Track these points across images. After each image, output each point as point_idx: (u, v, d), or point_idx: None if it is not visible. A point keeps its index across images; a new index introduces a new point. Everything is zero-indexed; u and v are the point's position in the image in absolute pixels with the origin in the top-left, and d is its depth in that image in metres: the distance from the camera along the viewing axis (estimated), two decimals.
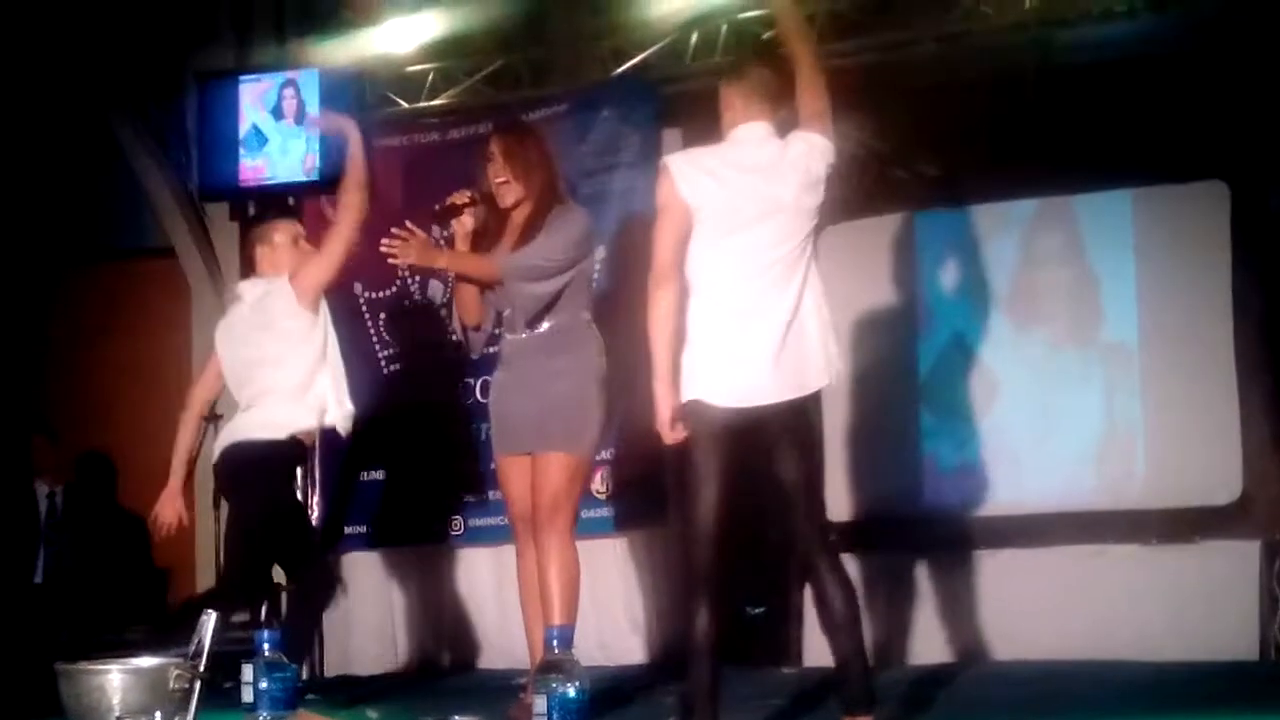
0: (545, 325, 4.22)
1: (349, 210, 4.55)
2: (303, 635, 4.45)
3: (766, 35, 5.83)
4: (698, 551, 3.49)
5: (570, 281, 4.21)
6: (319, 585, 4.48)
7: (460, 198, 4.34)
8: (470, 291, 4.34)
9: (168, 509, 4.45)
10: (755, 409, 3.52)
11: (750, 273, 3.54)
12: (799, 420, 3.57)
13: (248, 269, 4.70)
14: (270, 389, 4.51)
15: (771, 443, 3.54)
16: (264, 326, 4.54)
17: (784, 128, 3.70)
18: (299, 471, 4.76)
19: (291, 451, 4.51)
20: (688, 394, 3.53)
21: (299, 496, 4.54)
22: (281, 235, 4.57)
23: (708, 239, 3.57)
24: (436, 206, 4.42)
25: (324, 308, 4.62)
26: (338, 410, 4.54)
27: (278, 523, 4.31)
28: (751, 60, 3.86)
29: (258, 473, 4.35)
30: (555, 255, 4.18)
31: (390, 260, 4.32)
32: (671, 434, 3.48)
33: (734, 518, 3.56)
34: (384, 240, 4.23)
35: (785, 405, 3.53)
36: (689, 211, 3.57)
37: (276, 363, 4.51)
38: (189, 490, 4.68)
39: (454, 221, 4.35)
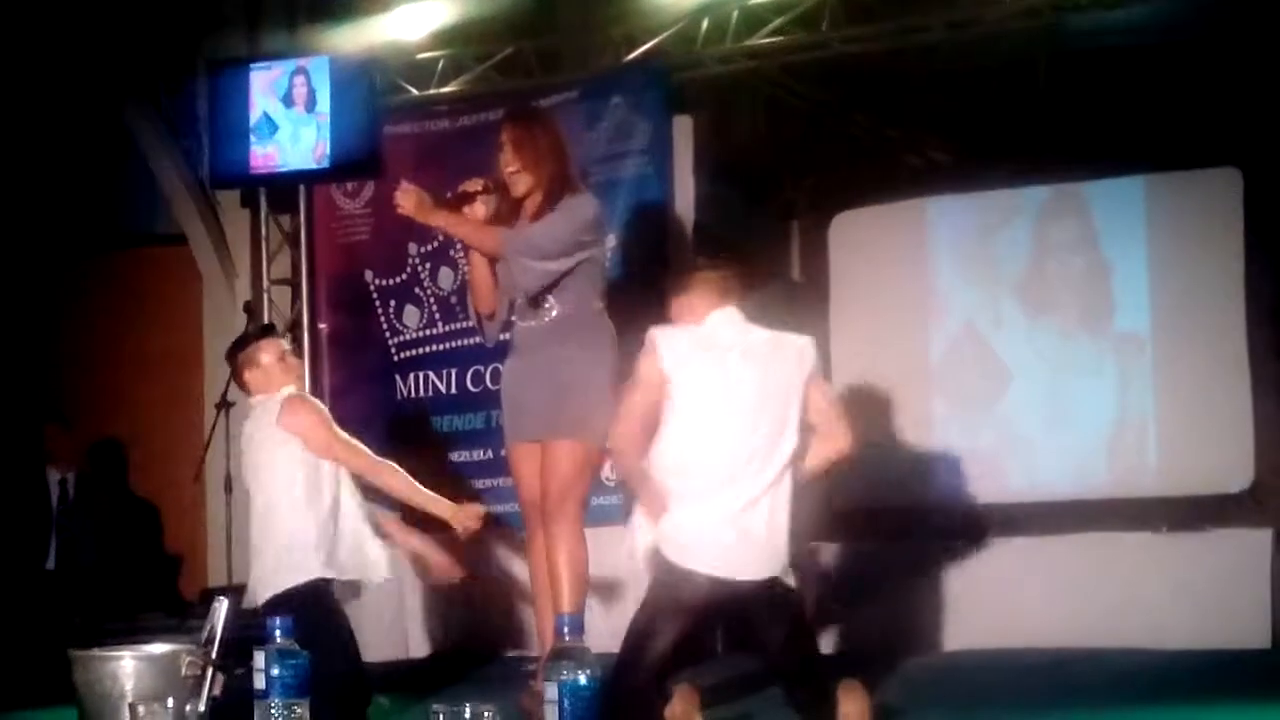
0: (556, 312, 4.22)
1: (383, 477, 4.20)
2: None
3: (778, 21, 5.82)
4: (628, 679, 3.50)
5: (578, 266, 4.21)
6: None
7: (473, 185, 4.33)
8: (484, 279, 4.34)
9: None
10: (728, 582, 3.56)
11: (728, 449, 3.59)
12: (774, 596, 3.59)
13: (242, 389, 4.30)
14: (258, 536, 4.08)
15: (749, 615, 3.60)
16: (252, 459, 4.13)
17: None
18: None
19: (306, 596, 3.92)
20: (665, 553, 3.59)
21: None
22: (268, 355, 4.19)
23: (684, 412, 3.63)
24: (449, 194, 4.41)
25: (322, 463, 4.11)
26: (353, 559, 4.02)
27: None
28: (695, 269, 3.88)
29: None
30: (561, 235, 4.18)
31: (398, 209, 4.31)
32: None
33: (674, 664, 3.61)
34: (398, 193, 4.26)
35: (756, 583, 3.57)
36: (666, 384, 3.63)
37: (260, 504, 4.09)
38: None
39: (466, 209, 4.34)
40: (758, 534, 3.58)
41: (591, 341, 4.21)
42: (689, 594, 3.57)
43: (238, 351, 4.27)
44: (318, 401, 4.30)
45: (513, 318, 4.39)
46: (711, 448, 3.60)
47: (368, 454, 4.17)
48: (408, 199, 4.25)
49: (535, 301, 4.23)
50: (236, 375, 4.26)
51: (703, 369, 3.64)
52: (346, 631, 4.01)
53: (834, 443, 3.71)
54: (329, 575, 3.99)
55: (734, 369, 3.64)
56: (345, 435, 4.15)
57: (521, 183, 4.27)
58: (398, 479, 4.18)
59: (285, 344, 4.35)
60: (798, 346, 3.71)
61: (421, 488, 4.19)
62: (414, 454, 6.30)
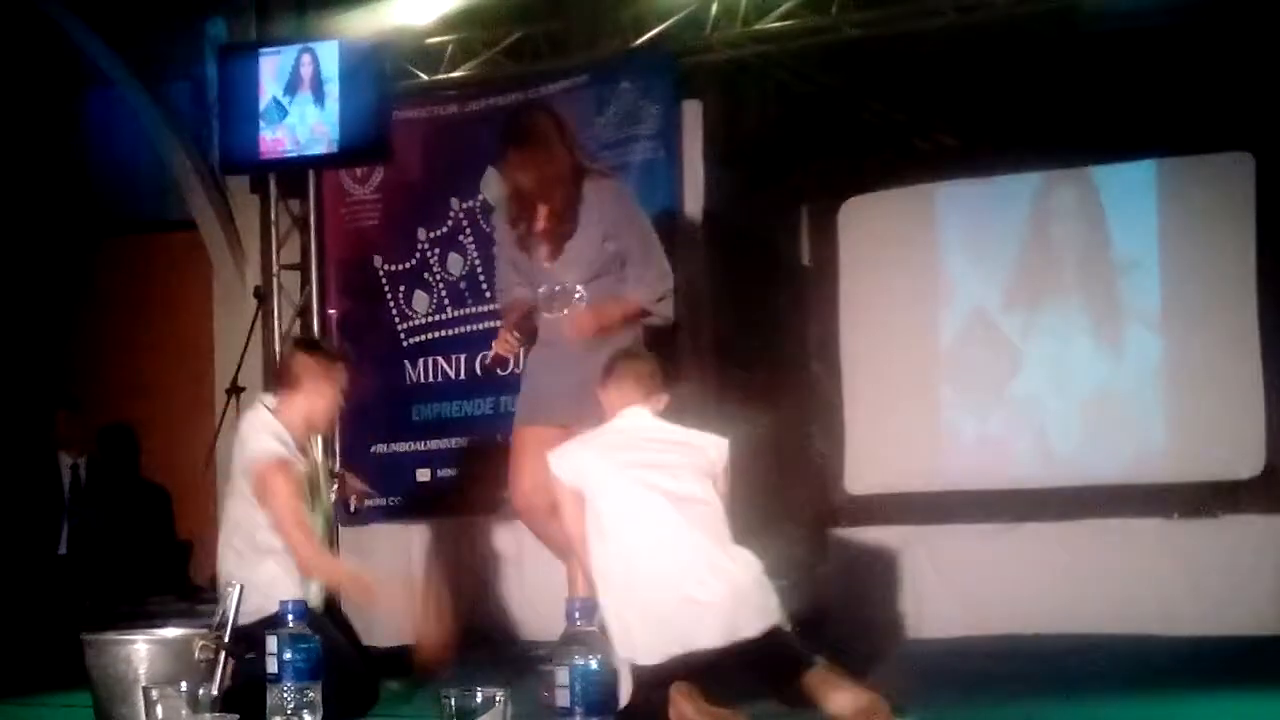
0: (582, 306, 4.24)
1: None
2: None
3: (788, 5, 5.80)
4: None
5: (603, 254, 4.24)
6: None
7: (504, 347, 4.32)
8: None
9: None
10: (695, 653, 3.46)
11: (661, 548, 3.52)
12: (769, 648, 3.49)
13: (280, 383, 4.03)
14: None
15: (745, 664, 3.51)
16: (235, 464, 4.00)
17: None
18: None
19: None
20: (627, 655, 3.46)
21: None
22: (323, 378, 3.98)
23: (608, 526, 3.58)
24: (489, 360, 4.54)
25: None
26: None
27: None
28: (621, 357, 3.85)
29: None
30: (611, 235, 4.22)
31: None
32: None
33: None
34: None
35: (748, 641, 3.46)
36: (580, 496, 3.61)
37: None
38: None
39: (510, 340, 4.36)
40: (731, 590, 3.47)
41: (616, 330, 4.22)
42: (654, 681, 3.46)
43: (310, 353, 4.04)
44: (297, 467, 3.95)
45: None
46: (644, 553, 3.53)
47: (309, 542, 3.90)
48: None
49: (565, 293, 4.24)
50: (286, 368, 4.01)
51: (612, 481, 3.58)
52: (338, 637, 3.85)
53: None
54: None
55: (644, 476, 3.57)
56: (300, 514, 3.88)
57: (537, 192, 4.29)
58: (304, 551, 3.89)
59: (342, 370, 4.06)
60: (710, 445, 3.66)
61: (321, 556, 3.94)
62: (423, 439, 6.35)
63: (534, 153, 4.25)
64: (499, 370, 4.33)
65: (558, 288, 4.26)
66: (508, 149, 4.31)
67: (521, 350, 4.45)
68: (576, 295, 4.23)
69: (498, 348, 4.36)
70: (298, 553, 3.85)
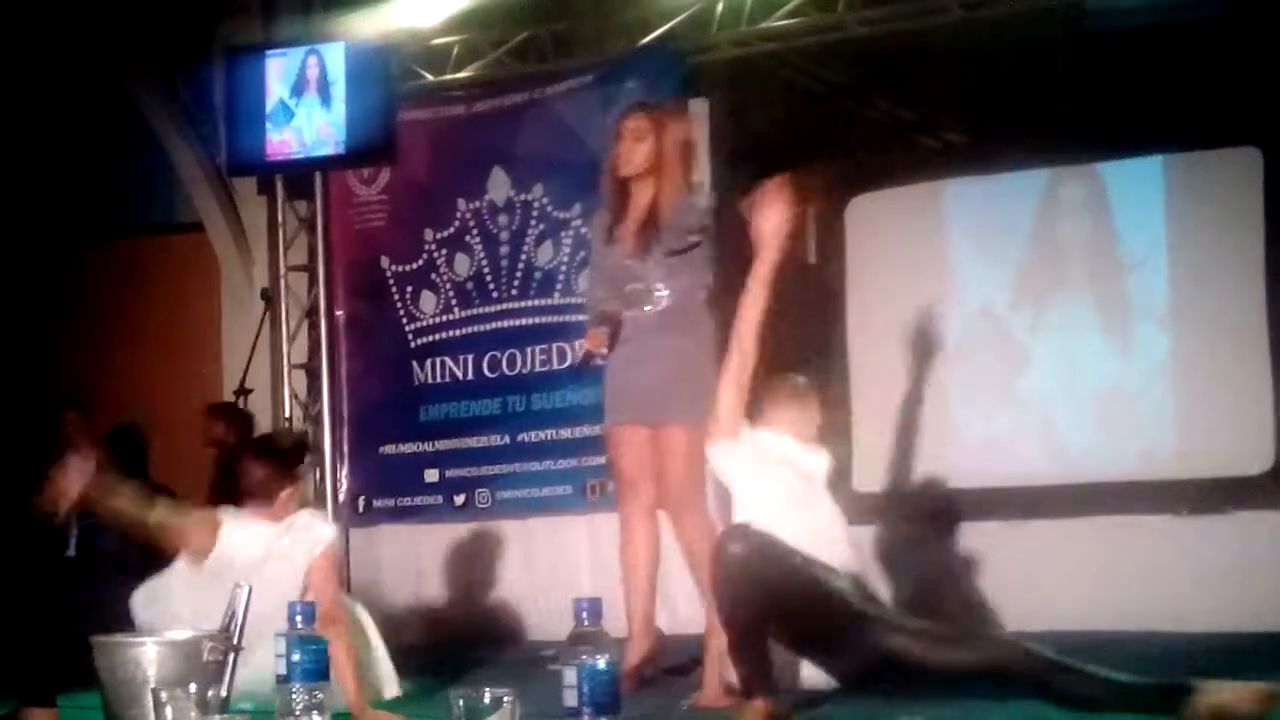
0: (665, 303, 4.27)
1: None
2: None
3: (794, 3, 5.79)
4: None
5: (692, 251, 4.28)
6: None
7: (593, 343, 4.37)
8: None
9: None
10: None
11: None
12: None
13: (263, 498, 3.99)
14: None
15: None
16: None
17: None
18: None
19: None
20: None
21: None
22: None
23: None
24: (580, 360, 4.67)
25: None
26: None
27: None
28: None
29: None
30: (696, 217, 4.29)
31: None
32: None
33: None
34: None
35: None
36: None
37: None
38: None
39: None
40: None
41: (695, 329, 4.27)
42: None
43: (298, 464, 3.98)
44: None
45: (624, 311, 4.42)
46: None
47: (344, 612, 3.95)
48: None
49: (648, 291, 4.28)
50: (274, 486, 3.94)
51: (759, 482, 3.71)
52: None
53: None
54: None
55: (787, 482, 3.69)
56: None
57: (637, 164, 4.33)
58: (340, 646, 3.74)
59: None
60: (820, 461, 3.77)
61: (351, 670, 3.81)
62: (430, 440, 6.35)
63: (643, 148, 4.30)
64: (599, 359, 4.40)
65: (641, 286, 4.30)
66: (620, 139, 4.36)
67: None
68: (657, 292, 4.27)
69: (587, 344, 4.39)
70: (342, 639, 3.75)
